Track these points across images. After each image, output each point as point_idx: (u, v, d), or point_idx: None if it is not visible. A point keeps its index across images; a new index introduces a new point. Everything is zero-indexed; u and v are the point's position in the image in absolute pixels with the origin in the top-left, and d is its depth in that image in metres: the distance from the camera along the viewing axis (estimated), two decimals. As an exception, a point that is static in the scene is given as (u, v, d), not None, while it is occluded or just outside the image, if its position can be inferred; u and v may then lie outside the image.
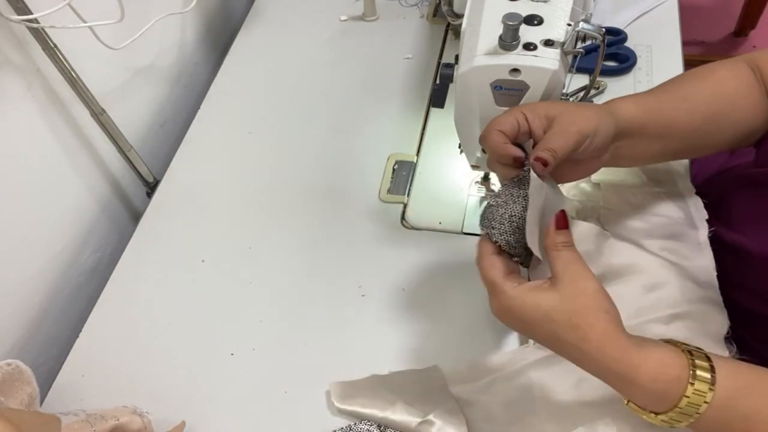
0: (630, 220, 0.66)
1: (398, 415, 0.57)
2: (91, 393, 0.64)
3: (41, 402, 0.59)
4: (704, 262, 0.62)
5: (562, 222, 0.49)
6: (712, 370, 0.44)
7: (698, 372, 0.44)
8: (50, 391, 0.64)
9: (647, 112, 0.56)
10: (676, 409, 0.44)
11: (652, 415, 0.46)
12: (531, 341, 0.61)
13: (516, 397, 0.58)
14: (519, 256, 0.52)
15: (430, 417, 0.56)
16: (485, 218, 0.52)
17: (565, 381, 0.58)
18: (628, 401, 0.47)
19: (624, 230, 0.66)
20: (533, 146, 0.51)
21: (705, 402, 0.43)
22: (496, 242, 0.51)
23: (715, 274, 0.61)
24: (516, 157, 0.51)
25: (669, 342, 0.47)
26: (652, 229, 0.65)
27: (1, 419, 0.42)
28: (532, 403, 0.57)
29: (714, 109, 0.58)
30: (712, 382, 0.43)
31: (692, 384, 0.43)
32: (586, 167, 0.56)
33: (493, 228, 0.51)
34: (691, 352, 0.45)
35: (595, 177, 0.66)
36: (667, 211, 0.67)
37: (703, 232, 0.64)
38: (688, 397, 0.43)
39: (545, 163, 0.48)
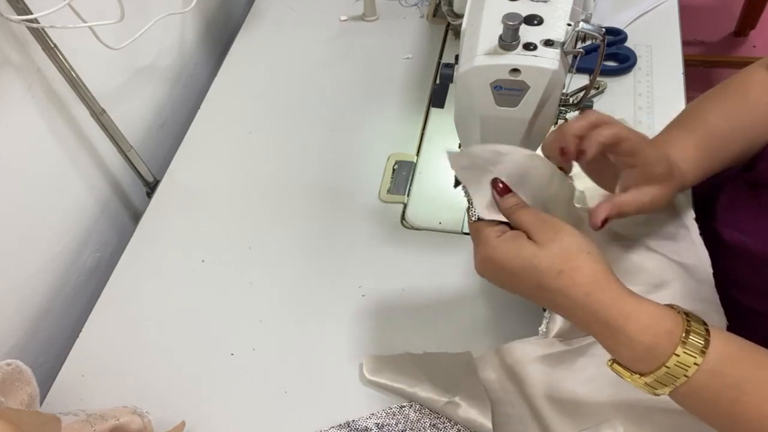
0: (622, 223, 0.66)
1: (426, 393, 0.59)
2: (91, 393, 0.64)
3: (41, 402, 0.59)
4: (700, 260, 0.62)
5: (502, 189, 0.50)
6: (706, 333, 0.42)
7: (693, 330, 0.41)
8: (50, 391, 0.64)
9: (702, 162, 0.58)
10: (663, 368, 0.41)
11: (636, 376, 0.43)
12: (542, 328, 0.61)
13: (537, 389, 0.58)
14: None
15: (456, 399, 0.58)
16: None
17: (578, 377, 0.58)
18: (612, 363, 0.45)
19: (622, 231, 0.65)
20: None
21: (695, 364, 0.40)
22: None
23: (711, 271, 0.61)
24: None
25: (666, 305, 0.45)
26: (646, 230, 0.65)
27: (1, 419, 0.42)
28: (549, 400, 0.58)
29: (755, 139, 0.60)
30: (706, 345, 0.41)
31: (684, 342, 0.41)
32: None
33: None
34: (687, 314, 0.43)
35: (579, 185, 0.66)
36: (656, 212, 0.66)
37: (695, 230, 0.64)
38: (678, 355, 0.40)
39: (604, 221, 0.52)
